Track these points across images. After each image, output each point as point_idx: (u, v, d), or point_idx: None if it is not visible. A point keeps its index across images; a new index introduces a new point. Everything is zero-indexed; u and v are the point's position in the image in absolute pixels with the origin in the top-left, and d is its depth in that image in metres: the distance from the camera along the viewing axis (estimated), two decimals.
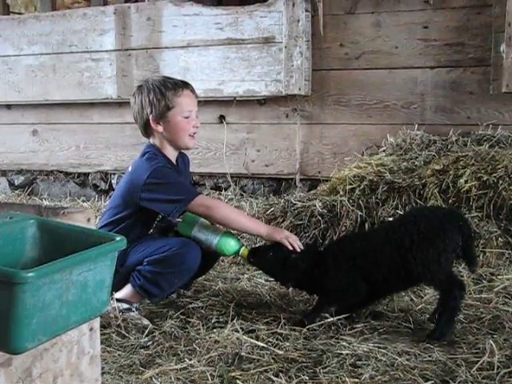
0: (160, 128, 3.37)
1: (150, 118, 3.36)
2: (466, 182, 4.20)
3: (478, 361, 2.66)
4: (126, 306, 3.22)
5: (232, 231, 3.37)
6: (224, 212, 3.24)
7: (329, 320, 3.12)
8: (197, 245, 3.23)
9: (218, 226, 3.41)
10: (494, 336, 2.94)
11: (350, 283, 3.13)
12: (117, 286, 3.13)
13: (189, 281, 3.50)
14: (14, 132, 6.89)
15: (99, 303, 1.83)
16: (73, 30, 6.39)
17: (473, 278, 3.78)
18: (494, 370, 2.60)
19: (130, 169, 3.43)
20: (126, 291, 3.25)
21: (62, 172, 6.75)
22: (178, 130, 3.38)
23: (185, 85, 3.46)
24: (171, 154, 3.45)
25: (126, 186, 3.36)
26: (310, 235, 4.26)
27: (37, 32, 6.53)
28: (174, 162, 3.49)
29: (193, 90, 3.47)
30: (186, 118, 3.38)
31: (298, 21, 5.51)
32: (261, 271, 3.66)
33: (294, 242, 3.16)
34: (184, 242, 3.21)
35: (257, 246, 3.60)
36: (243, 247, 3.27)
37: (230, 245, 3.25)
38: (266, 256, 3.23)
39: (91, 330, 2.16)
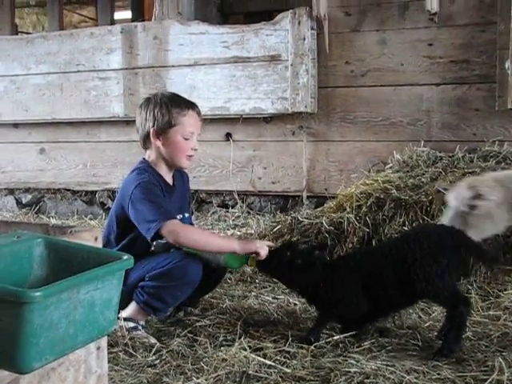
0: (159, 143, 3.36)
1: (151, 131, 3.35)
2: None
3: (487, 379, 2.64)
4: (132, 324, 3.21)
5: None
6: (193, 236, 3.18)
7: (336, 337, 3.11)
8: (198, 258, 3.21)
9: None
10: (503, 353, 2.91)
11: (352, 298, 3.13)
12: (121, 304, 3.11)
13: (196, 298, 3.50)
14: (21, 151, 6.91)
15: (106, 322, 1.83)
16: (80, 49, 6.43)
17: (480, 295, 3.76)
18: None
19: (121, 185, 3.43)
20: (131, 309, 3.24)
21: (69, 190, 6.76)
22: (175, 148, 3.37)
23: (191, 106, 3.45)
24: (164, 170, 3.44)
25: (118, 202, 3.37)
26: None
27: (44, 51, 6.57)
28: (169, 178, 3.47)
29: (199, 113, 3.47)
30: (186, 139, 3.38)
31: (304, 39, 5.53)
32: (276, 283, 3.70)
33: (264, 252, 3.16)
34: (184, 255, 3.20)
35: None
36: (250, 257, 3.26)
37: (236, 258, 3.24)
38: (271, 263, 3.21)
39: (98, 348, 2.16)
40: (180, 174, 3.60)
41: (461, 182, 3.75)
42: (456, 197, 3.58)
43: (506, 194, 3.54)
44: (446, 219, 3.58)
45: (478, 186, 3.53)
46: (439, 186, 3.90)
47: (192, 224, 3.71)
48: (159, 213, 3.16)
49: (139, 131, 3.45)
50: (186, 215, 3.53)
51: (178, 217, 3.33)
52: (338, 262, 3.45)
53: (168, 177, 3.47)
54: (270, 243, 3.35)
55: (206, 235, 3.33)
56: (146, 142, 3.43)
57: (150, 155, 3.44)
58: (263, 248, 3.17)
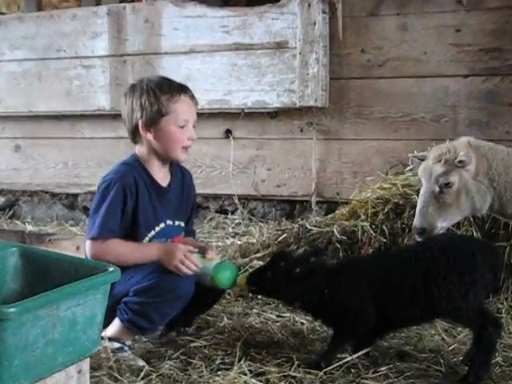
0: (150, 136, 3.34)
1: (140, 123, 3.33)
2: None
3: None
4: (117, 345, 3.20)
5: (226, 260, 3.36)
6: (114, 256, 3.13)
7: (348, 359, 3.11)
8: None
9: (210, 255, 3.39)
10: None
11: (362, 308, 3.12)
12: (105, 321, 3.11)
13: (190, 317, 3.50)
14: None
15: (89, 342, 1.84)
16: (61, 33, 6.45)
17: (511, 314, 3.77)
18: None
19: None
20: (115, 328, 3.22)
21: (47, 193, 6.78)
22: (169, 140, 3.34)
23: (183, 89, 3.42)
24: (156, 167, 3.41)
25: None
26: None
27: (20, 35, 6.59)
28: (162, 177, 3.45)
29: (192, 96, 3.43)
30: (181, 127, 3.35)
31: (314, 23, 5.55)
32: (272, 301, 3.73)
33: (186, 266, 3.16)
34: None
35: (254, 269, 3.52)
36: (240, 276, 3.26)
37: (225, 277, 3.22)
38: (264, 279, 3.19)
39: (79, 372, 2.16)
40: (181, 173, 3.57)
41: (430, 150, 3.66)
42: (425, 173, 3.51)
43: (484, 165, 3.47)
44: (419, 203, 3.52)
45: (450, 152, 3.43)
46: (413, 155, 3.80)
47: (191, 234, 3.66)
48: (101, 223, 3.18)
49: (126, 124, 3.42)
50: (177, 223, 3.48)
51: (162, 224, 3.36)
52: (344, 264, 3.44)
53: (161, 175, 3.44)
54: (192, 248, 3.28)
55: (125, 248, 3.23)
56: (134, 135, 3.40)
57: (141, 150, 3.42)
58: (185, 261, 3.17)
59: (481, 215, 3.80)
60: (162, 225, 3.38)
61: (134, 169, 3.35)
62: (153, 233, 3.34)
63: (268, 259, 3.36)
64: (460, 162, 3.36)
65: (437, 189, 3.41)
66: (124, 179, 3.29)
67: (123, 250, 3.21)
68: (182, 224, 3.50)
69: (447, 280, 2.97)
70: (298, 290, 3.17)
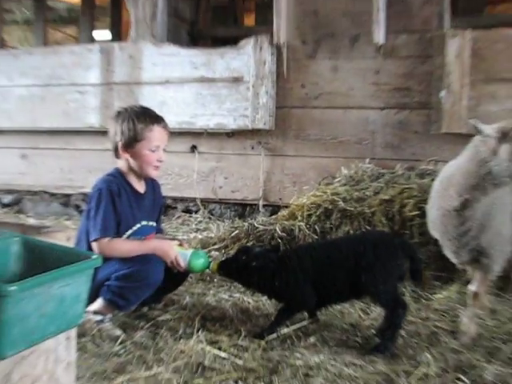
0: (127, 155, 3.33)
1: (120, 144, 3.32)
2: (410, 211, 4.25)
3: (416, 372, 2.69)
4: (99, 317, 3.18)
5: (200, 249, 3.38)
6: (118, 250, 3.17)
7: (285, 331, 3.13)
8: (160, 260, 3.19)
9: (185, 244, 3.41)
10: (431, 350, 2.97)
11: (305, 292, 3.15)
12: (90, 299, 3.08)
13: (159, 296, 3.48)
14: (4, 155, 6.81)
15: (75, 315, 1.82)
16: (62, 65, 6.36)
17: (413, 297, 3.82)
18: (429, 379, 2.63)
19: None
20: (98, 304, 3.21)
21: (47, 193, 6.68)
22: (142, 161, 3.32)
23: (157, 120, 3.38)
24: (133, 179, 3.40)
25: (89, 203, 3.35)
26: None
27: (29, 65, 6.49)
28: (139, 186, 3.43)
29: (165, 126, 3.40)
30: (153, 151, 3.33)
31: (265, 63, 5.56)
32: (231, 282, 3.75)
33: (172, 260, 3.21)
34: (148, 259, 3.17)
35: (223, 259, 3.58)
36: (212, 263, 3.29)
37: (199, 263, 3.24)
38: (231, 267, 3.26)
39: (68, 339, 2.14)
40: (152, 184, 3.55)
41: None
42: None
43: None
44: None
45: None
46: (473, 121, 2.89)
47: (161, 231, 3.64)
48: (102, 226, 3.17)
49: (111, 143, 3.40)
50: (151, 223, 3.46)
51: (138, 225, 3.34)
52: (289, 255, 3.37)
53: (138, 185, 3.42)
54: (176, 242, 3.37)
55: (128, 246, 3.22)
56: (116, 153, 3.39)
57: (121, 165, 3.40)
58: (172, 248, 3.23)
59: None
60: (139, 225, 3.36)
61: (117, 179, 3.33)
62: (130, 231, 3.32)
63: (232, 252, 3.37)
64: None
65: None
66: (111, 187, 3.26)
67: (127, 247, 3.20)
68: (154, 224, 3.49)
69: (373, 269, 3.01)
70: (254, 278, 3.22)
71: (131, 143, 3.31)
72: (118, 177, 3.35)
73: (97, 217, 3.20)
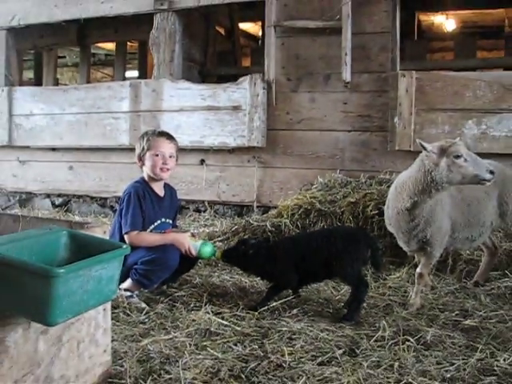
0: (141, 163, 3.38)
1: (136, 156, 3.39)
2: (371, 211, 4.27)
3: (375, 335, 2.71)
4: (129, 293, 3.19)
5: (208, 240, 3.40)
6: (144, 241, 3.19)
7: (274, 304, 3.13)
8: (177, 249, 3.19)
9: (196, 236, 3.41)
10: (386, 318, 2.98)
11: (289, 274, 3.15)
12: (121, 279, 3.08)
13: (176, 277, 3.48)
14: (56, 167, 6.80)
15: (110, 292, 1.84)
16: (100, 97, 6.37)
17: (373, 277, 3.83)
18: (385, 341, 2.65)
19: None
20: (128, 283, 3.23)
21: (88, 196, 6.67)
22: (150, 164, 3.34)
23: (161, 134, 3.42)
24: (154, 184, 3.40)
25: (120, 203, 3.36)
26: None
27: (76, 98, 6.50)
28: (159, 191, 3.42)
29: (169, 139, 3.40)
30: (156, 155, 3.32)
31: (258, 95, 5.57)
32: (231, 267, 3.77)
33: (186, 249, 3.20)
34: (167, 248, 3.17)
35: (226, 248, 3.57)
36: (217, 251, 3.29)
37: (207, 251, 3.25)
38: (232, 255, 3.26)
39: (104, 310, 2.16)
40: (169, 190, 3.54)
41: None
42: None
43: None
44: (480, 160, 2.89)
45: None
46: (419, 141, 3.00)
47: (176, 227, 3.62)
48: (131, 222, 3.18)
49: (136, 156, 3.44)
50: (168, 220, 3.45)
51: (158, 221, 3.35)
52: (277, 245, 3.38)
53: (158, 190, 3.43)
54: (189, 234, 3.33)
55: (153, 238, 3.23)
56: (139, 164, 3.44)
57: (144, 174, 3.43)
58: (186, 239, 3.21)
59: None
60: (159, 221, 3.37)
61: (142, 185, 3.35)
62: (152, 226, 3.33)
63: (232, 242, 3.36)
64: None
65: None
66: (138, 191, 3.28)
67: (151, 238, 3.22)
68: (170, 221, 3.50)
69: (342, 255, 3.02)
70: (250, 264, 3.23)
71: (143, 154, 3.35)
72: (142, 183, 3.37)
73: (127, 215, 3.21)
